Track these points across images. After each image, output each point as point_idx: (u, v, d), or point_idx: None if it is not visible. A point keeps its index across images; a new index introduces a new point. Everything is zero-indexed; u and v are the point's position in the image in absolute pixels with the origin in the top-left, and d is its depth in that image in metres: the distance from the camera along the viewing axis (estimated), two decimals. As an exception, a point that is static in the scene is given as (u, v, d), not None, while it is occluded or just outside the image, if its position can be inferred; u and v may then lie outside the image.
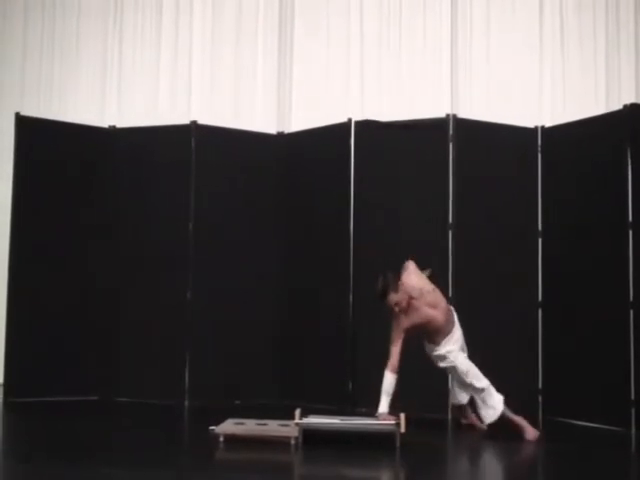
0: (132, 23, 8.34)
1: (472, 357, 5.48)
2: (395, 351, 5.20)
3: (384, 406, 5.12)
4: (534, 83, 7.74)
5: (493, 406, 5.26)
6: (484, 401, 5.29)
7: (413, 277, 5.43)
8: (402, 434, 4.80)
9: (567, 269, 6.20)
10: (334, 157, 6.73)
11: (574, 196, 6.19)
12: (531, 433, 5.22)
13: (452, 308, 5.57)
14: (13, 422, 5.99)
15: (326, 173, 6.79)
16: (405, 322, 5.28)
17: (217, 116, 7.77)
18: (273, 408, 6.22)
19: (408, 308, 5.31)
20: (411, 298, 5.32)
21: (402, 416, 4.84)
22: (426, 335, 5.44)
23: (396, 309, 5.29)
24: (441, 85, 7.81)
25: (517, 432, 5.21)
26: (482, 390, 5.28)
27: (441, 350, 5.38)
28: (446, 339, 5.38)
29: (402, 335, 5.25)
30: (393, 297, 5.28)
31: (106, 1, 8.36)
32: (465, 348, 5.51)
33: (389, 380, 5.14)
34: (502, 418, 5.24)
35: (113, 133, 7.16)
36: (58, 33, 8.36)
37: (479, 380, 5.30)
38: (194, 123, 6.98)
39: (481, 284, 6.22)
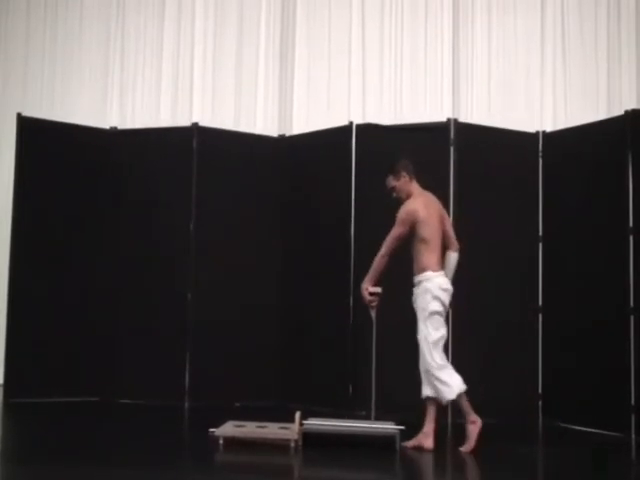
0: (134, 25, 8.37)
1: (473, 360, 5.47)
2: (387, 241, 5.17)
3: (367, 280, 5.23)
4: (535, 88, 7.76)
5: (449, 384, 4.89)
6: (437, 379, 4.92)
7: (423, 199, 5.24)
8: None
9: (567, 274, 6.21)
10: (335, 160, 6.73)
11: (575, 201, 6.20)
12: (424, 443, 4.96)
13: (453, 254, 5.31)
14: (13, 423, 5.98)
15: (327, 176, 6.78)
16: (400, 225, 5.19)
17: (219, 118, 7.81)
18: (273, 410, 6.22)
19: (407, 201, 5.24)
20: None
21: None
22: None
23: (393, 195, 5.33)
24: (442, 89, 7.83)
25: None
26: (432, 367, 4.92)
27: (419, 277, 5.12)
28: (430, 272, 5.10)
29: (398, 230, 5.17)
30: (390, 180, 5.33)
31: (108, 3, 8.39)
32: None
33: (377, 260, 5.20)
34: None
35: (114, 134, 7.16)
36: (60, 34, 8.40)
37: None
38: (196, 125, 6.98)
39: (481, 288, 6.21)
